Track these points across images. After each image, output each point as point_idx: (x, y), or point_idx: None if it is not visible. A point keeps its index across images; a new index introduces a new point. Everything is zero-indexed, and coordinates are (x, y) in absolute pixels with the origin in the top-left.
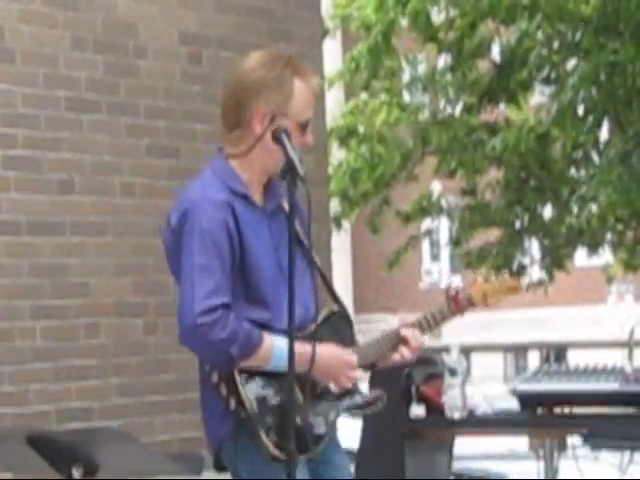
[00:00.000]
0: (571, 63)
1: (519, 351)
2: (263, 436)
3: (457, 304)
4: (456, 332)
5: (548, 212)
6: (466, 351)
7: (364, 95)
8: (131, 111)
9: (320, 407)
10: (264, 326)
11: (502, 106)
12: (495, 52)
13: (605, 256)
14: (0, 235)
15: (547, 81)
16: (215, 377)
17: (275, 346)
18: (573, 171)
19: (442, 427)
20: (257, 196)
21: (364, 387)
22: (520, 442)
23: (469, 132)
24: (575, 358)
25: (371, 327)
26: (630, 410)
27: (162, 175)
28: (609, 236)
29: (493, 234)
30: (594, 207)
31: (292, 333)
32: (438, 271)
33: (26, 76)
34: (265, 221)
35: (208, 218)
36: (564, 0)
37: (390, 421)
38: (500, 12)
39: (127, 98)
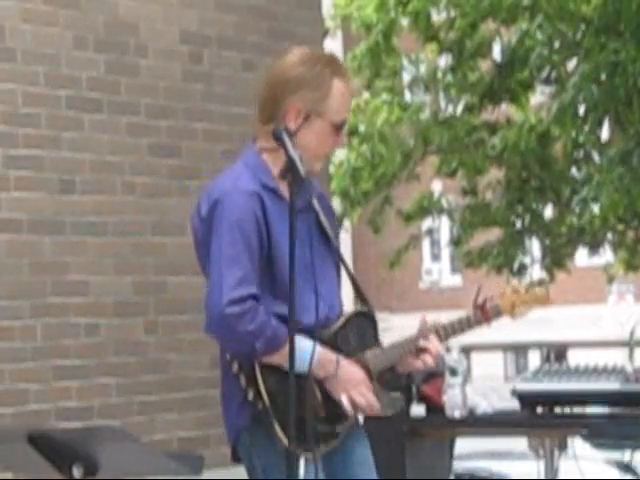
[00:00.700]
0: (572, 63)
1: (520, 351)
2: (278, 429)
3: (484, 313)
4: None
5: (549, 212)
6: (466, 350)
7: (365, 94)
8: (132, 110)
9: (337, 404)
10: (286, 321)
11: (503, 106)
12: (496, 52)
13: (606, 256)
14: (1, 233)
15: (548, 81)
16: (235, 367)
17: (298, 347)
18: (574, 171)
19: (442, 426)
20: (285, 192)
21: None
22: (520, 441)
23: (470, 132)
24: (576, 358)
25: None
26: (631, 410)
27: (163, 174)
28: (610, 236)
29: (494, 234)
30: (595, 208)
31: (293, 329)
32: (439, 271)
33: (27, 75)
34: None
35: (238, 208)
36: (565, 0)
37: (390, 420)
38: (501, 12)
39: (128, 97)
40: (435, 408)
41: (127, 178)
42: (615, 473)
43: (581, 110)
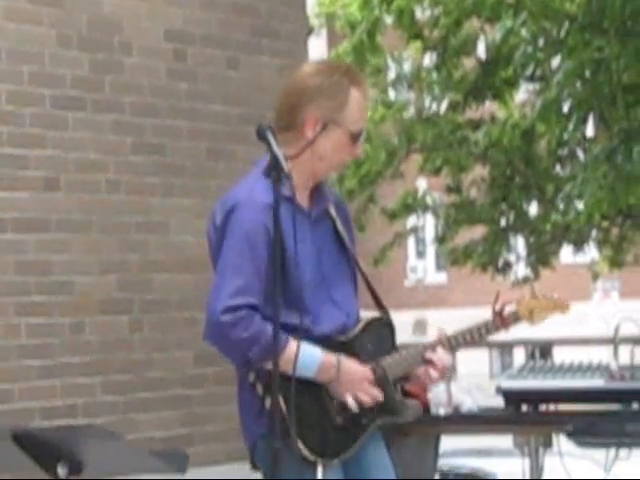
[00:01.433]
0: (556, 60)
1: (504, 348)
2: (295, 437)
3: (502, 319)
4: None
5: (533, 209)
6: None
7: None
8: (116, 108)
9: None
10: (299, 331)
11: (488, 103)
12: (480, 50)
13: (591, 253)
14: None
15: (532, 78)
16: (252, 376)
17: (301, 353)
18: (558, 168)
19: (427, 424)
20: (303, 200)
21: None
22: (505, 439)
23: (454, 130)
24: (560, 355)
25: None
26: (615, 407)
27: (147, 172)
28: (594, 233)
29: (478, 231)
30: (580, 205)
31: (277, 327)
32: (423, 268)
33: (11, 73)
34: (308, 225)
35: (249, 220)
36: None
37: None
38: (485, 10)
39: (112, 95)
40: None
41: (111, 176)
42: (599, 471)
43: (565, 107)
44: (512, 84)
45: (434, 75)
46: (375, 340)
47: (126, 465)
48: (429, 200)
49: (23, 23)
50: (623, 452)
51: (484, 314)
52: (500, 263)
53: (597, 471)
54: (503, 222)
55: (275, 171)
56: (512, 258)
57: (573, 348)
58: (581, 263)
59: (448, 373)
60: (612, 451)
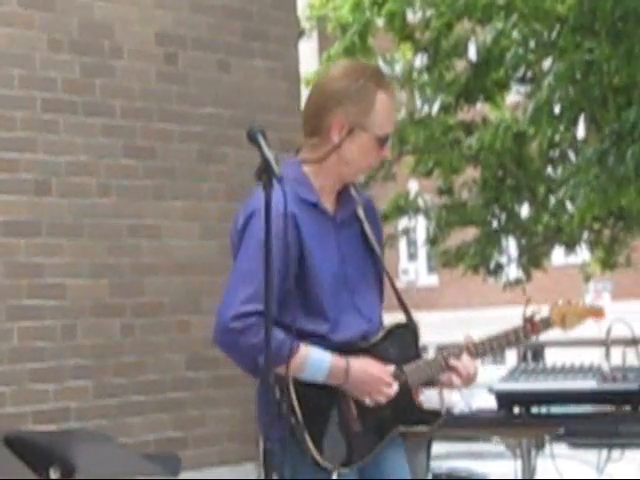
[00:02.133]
0: (547, 62)
1: None
2: (310, 443)
3: (533, 326)
4: (433, 331)
5: (525, 211)
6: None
7: None
8: (107, 112)
9: (374, 418)
10: (319, 338)
11: (479, 105)
12: (471, 52)
13: (582, 255)
14: None
15: (523, 80)
16: (272, 378)
17: (310, 358)
18: (550, 170)
19: None
20: (328, 204)
21: None
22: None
23: (446, 131)
24: (552, 357)
25: None
26: (607, 408)
27: (138, 176)
28: (586, 235)
29: (470, 233)
30: (571, 207)
31: (269, 328)
32: (415, 270)
33: (2, 77)
34: (333, 230)
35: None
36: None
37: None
38: (476, 12)
39: (103, 99)
40: None
41: (102, 180)
42: (592, 472)
43: (556, 109)
44: (503, 86)
45: (425, 77)
46: (398, 346)
47: (119, 468)
48: (421, 202)
49: (14, 26)
50: (615, 453)
51: (476, 316)
52: (492, 265)
53: (589, 472)
54: (495, 224)
55: (266, 174)
56: (504, 260)
57: (565, 350)
58: (573, 264)
59: (473, 381)
60: (604, 452)
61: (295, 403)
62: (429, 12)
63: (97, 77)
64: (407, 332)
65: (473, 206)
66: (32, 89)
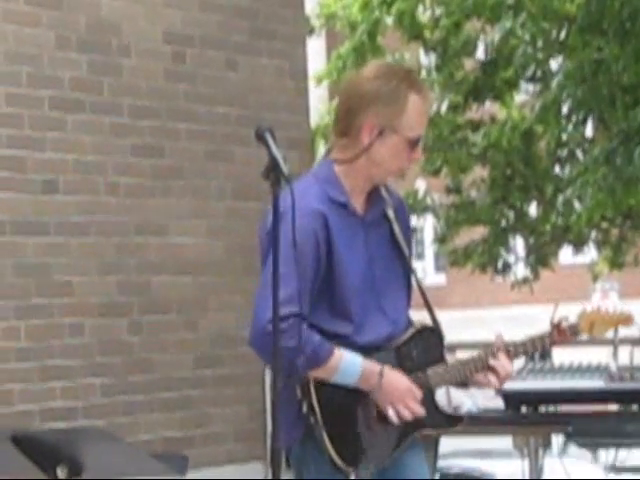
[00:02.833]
0: (556, 61)
1: None
2: (328, 444)
3: (560, 332)
4: None
5: (533, 210)
6: (451, 349)
7: None
8: (115, 110)
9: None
10: (344, 339)
11: (488, 104)
12: (480, 51)
13: (590, 254)
14: None
15: (532, 79)
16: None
17: (343, 361)
18: (558, 169)
19: None
20: (358, 204)
21: None
22: (504, 440)
23: (454, 130)
24: (560, 356)
25: None
26: (615, 408)
27: (146, 174)
28: (594, 234)
29: (478, 232)
30: (579, 206)
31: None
32: (423, 269)
33: (10, 76)
34: (361, 231)
35: (298, 227)
36: None
37: None
38: (485, 11)
39: (111, 97)
40: None
41: (110, 178)
42: (599, 472)
43: (565, 108)
44: (512, 85)
45: (434, 76)
46: (422, 349)
47: (126, 467)
48: (429, 201)
49: (21, 25)
50: (622, 453)
51: (484, 315)
52: (500, 264)
53: (596, 472)
54: (503, 223)
55: (274, 173)
56: (511, 259)
57: (572, 349)
58: (580, 264)
59: (507, 381)
60: (611, 452)
61: (315, 403)
62: (438, 11)
63: (105, 75)
64: (432, 335)
65: (481, 205)
66: (40, 87)
